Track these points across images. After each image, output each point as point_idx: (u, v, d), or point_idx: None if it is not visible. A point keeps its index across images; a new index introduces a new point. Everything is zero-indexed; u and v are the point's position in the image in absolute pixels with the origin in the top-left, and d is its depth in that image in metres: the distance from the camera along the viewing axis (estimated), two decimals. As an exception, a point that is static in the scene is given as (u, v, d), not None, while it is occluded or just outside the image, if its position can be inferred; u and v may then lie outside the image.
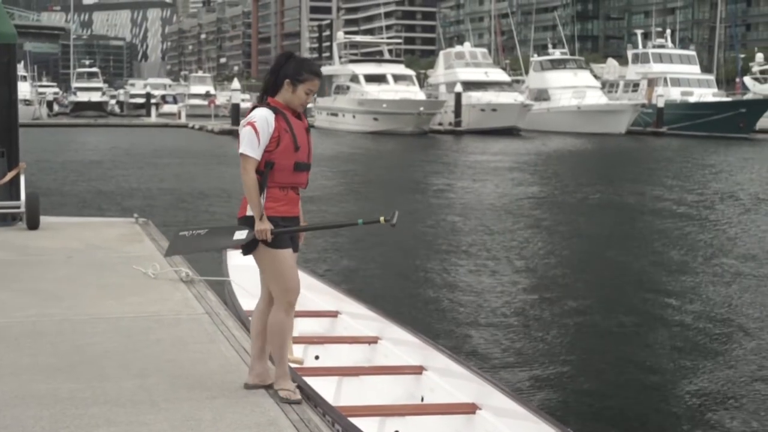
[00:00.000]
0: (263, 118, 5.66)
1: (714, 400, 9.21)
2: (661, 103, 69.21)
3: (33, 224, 12.88)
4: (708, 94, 71.50)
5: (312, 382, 6.47)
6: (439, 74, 79.86)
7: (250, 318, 8.10)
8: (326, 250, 17.49)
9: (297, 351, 8.31)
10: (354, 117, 70.40)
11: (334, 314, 9.22)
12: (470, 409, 6.49)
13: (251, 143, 5.64)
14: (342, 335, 8.61)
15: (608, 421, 8.60)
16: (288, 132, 5.69)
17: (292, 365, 6.92)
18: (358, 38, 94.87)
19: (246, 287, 9.45)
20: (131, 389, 5.99)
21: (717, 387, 9.59)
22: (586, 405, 8.99)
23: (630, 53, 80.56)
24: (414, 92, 70.39)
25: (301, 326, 9.04)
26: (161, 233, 12.99)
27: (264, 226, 5.66)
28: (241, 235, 5.84)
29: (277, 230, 5.70)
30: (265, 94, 5.82)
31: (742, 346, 11.15)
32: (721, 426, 8.47)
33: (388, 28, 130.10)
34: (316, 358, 8.35)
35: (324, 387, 6.77)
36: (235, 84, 71.37)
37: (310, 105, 78.78)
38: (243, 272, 9.83)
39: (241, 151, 5.66)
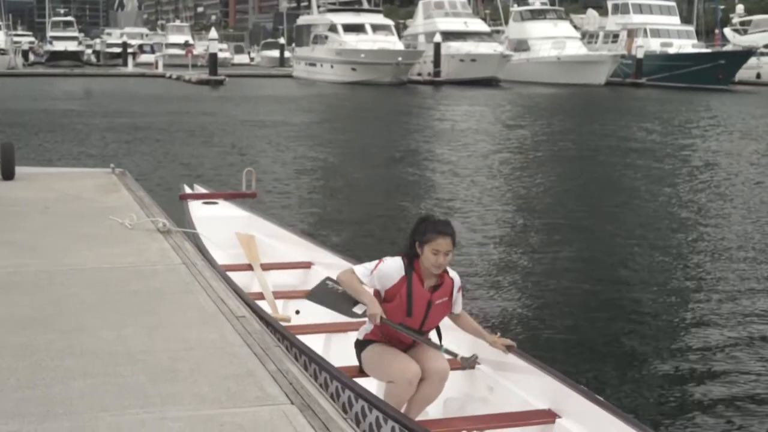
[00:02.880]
0: (391, 269, 5.78)
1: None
2: (640, 54, 69.12)
3: (8, 175, 12.73)
4: (687, 45, 71.40)
5: (305, 340, 6.44)
6: (418, 24, 79.41)
7: (226, 272, 8.07)
8: (300, 198, 17.47)
9: (278, 305, 8.28)
10: (332, 67, 69.97)
11: (307, 265, 9.18)
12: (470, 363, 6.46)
13: (367, 268, 5.83)
14: None
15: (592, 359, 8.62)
16: (403, 298, 5.74)
17: (281, 323, 6.88)
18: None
19: (213, 239, 9.42)
20: (108, 340, 5.94)
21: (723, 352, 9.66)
22: (547, 334, 9.02)
23: (610, 4, 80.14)
24: (392, 42, 69.97)
25: (275, 279, 8.99)
26: (138, 183, 12.90)
27: (375, 311, 5.70)
28: (359, 309, 5.96)
29: (386, 320, 5.72)
30: (411, 258, 5.80)
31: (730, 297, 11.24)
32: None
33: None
34: (297, 312, 8.31)
35: (314, 345, 6.73)
36: (213, 33, 70.71)
37: (288, 55, 77.82)
38: (208, 224, 9.79)
39: (358, 266, 5.89)
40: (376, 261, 5.85)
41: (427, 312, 5.78)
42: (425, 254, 5.68)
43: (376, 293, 5.88)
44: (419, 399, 5.83)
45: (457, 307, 6.05)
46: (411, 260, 5.78)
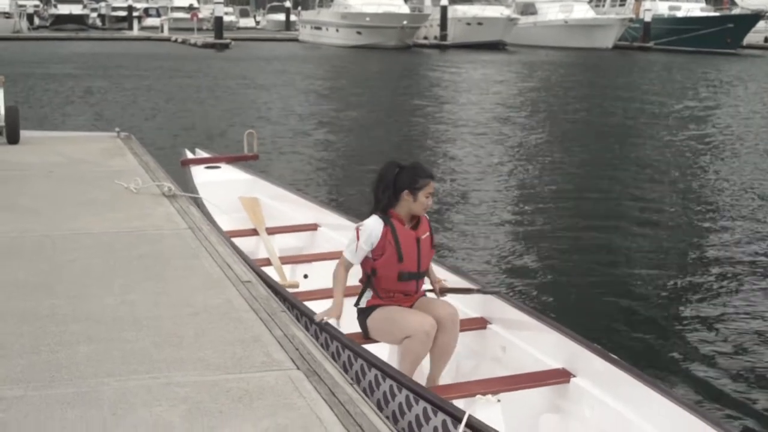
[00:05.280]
0: (369, 228, 5.87)
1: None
2: (648, 18, 68.61)
3: (13, 138, 12.69)
4: (696, 8, 70.85)
5: (314, 306, 6.41)
6: (424, -13, 78.78)
7: (231, 239, 8.05)
8: (303, 160, 17.42)
9: (285, 271, 8.24)
10: (337, 31, 69.53)
11: (313, 227, 9.16)
12: (481, 324, 6.44)
13: (350, 247, 5.94)
14: (328, 251, 8.53)
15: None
16: (392, 244, 5.83)
17: (290, 290, 6.85)
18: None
19: (217, 204, 9.40)
20: (113, 306, 5.91)
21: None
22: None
23: (617, -34, 79.56)
24: (398, 5, 69.38)
25: (281, 242, 8.96)
26: (143, 147, 12.85)
27: (329, 313, 5.96)
28: None
29: (329, 324, 6.00)
30: (386, 209, 5.90)
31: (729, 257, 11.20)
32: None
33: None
34: (305, 276, 8.28)
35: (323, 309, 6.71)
36: (218, -4, 70.24)
37: (294, 18, 76.98)
38: (211, 189, 9.77)
39: (343, 251, 6.02)
40: (355, 231, 5.95)
41: (419, 250, 5.92)
42: (419, 200, 5.86)
43: (367, 260, 5.94)
44: (439, 352, 5.87)
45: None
46: (386, 212, 5.91)
